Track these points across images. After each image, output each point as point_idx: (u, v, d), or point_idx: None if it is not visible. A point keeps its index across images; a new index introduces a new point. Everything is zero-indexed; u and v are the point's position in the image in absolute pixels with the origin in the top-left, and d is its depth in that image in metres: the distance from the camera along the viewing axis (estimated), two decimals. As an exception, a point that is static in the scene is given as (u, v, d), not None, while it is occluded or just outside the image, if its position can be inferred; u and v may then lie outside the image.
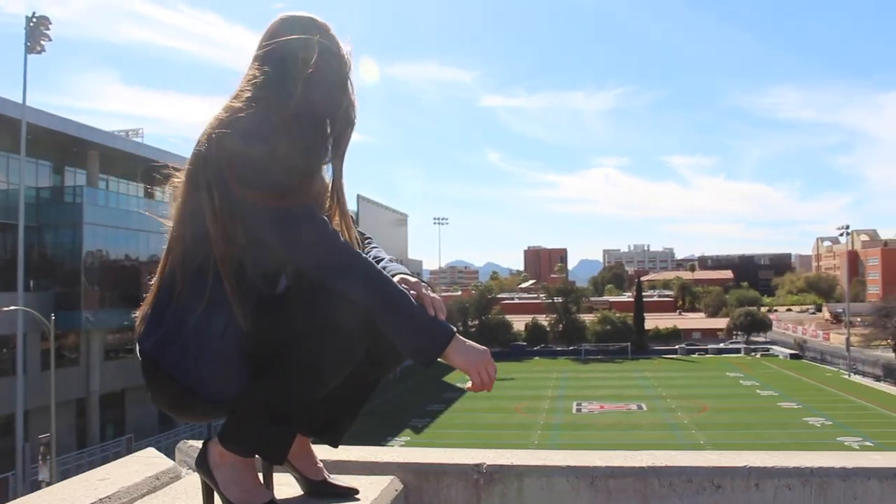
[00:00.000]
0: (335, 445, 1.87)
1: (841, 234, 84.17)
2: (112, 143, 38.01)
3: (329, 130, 1.75)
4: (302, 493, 1.85)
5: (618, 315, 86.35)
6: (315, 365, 1.63)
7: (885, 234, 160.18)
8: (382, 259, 1.81)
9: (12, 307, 26.39)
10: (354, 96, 1.77)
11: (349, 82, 1.76)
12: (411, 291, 1.66)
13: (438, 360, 1.63)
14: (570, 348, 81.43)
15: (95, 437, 33.42)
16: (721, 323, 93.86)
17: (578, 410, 47.66)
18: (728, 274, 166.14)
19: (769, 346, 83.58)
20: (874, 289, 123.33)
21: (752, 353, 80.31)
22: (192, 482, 1.94)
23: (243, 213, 1.60)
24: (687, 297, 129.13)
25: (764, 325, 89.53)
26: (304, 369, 1.64)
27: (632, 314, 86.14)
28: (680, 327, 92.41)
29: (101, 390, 34.60)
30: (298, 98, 1.67)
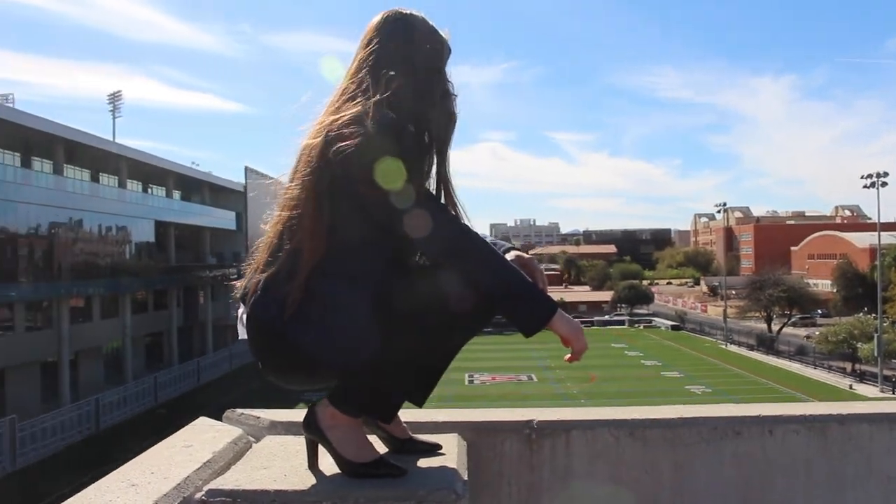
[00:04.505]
0: (420, 405, 1.99)
1: (718, 211, 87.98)
2: (-15, 109, 35.91)
3: (433, 124, 1.88)
4: (387, 450, 1.95)
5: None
6: (430, 335, 1.76)
7: (757, 212, 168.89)
8: (487, 237, 1.93)
9: None
10: (453, 88, 1.92)
11: (447, 76, 1.92)
12: (525, 266, 1.83)
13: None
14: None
15: (-26, 418, 31.76)
16: (606, 296, 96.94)
17: (471, 382, 48.47)
18: (612, 248, 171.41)
19: (651, 318, 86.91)
20: (748, 263, 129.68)
21: (636, 325, 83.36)
22: (270, 446, 2.07)
23: (367, 205, 1.73)
24: (573, 271, 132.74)
25: (646, 298, 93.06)
26: (420, 338, 1.75)
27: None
28: (566, 300, 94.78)
29: (-22, 370, 32.89)
30: (405, 95, 1.81)
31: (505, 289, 1.74)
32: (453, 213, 1.89)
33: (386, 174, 1.69)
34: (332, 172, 1.73)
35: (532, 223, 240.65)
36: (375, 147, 1.70)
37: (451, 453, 1.96)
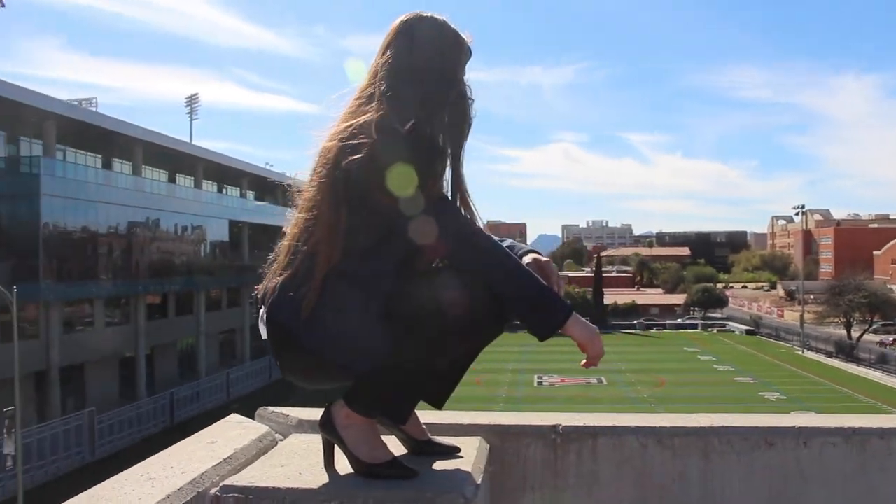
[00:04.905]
0: (439, 408, 1.99)
1: (796, 214, 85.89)
2: (69, 112, 37.12)
3: (446, 129, 1.88)
4: (406, 452, 1.96)
5: (577, 290, 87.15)
6: (445, 336, 1.75)
7: (837, 214, 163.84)
8: (505, 240, 1.94)
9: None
10: (470, 92, 1.92)
11: (465, 80, 1.91)
12: (542, 270, 1.82)
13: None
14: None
15: (56, 409, 32.90)
16: (678, 299, 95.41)
17: (540, 384, 48.28)
18: (685, 251, 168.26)
19: (725, 322, 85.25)
20: (827, 267, 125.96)
21: (709, 329, 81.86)
22: (293, 444, 2.09)
23: (380, 210, 1.74)
24: (645, 273, 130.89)
25: (720, 302, 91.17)
26: (435, 339, 1.74)
27: (591, 289, 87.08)
28: (638, 303, 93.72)
29: (61, 363, 34.07)
30: (418, 100, 1.81)
31: (518, 292, 1.74)
32: (468, 216, 1.89)
33: (398, 180, 1.70)
34: (347, 177, 1.75)
35: (604, 224, 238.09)
36: (387, 153, 1.70)
37: (470, 456, 1.94)
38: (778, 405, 40.27)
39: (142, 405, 36.84)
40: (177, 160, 47.33)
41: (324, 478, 1.78)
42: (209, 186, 54.02)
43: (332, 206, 1.77)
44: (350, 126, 1.76)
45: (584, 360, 1.79)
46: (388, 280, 1.77)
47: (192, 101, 61.46)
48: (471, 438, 2.09)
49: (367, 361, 1.74)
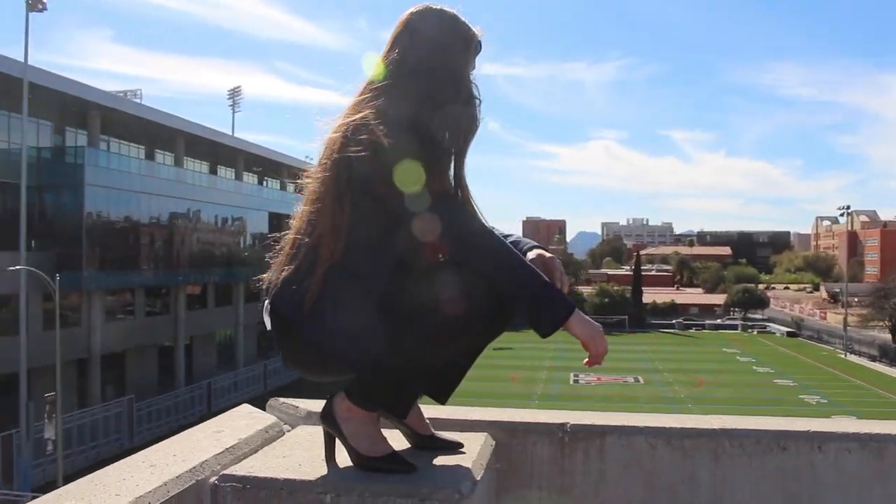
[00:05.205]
0: (443, 403, 1.98)
1: (841, 214, 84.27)
2: (113, 103, 37.74)
3: (453, 127, 1.84)
4: (409, 446, 1.96)
5: (616, 288, 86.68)
6: (443, 332, 1.74)
7: (884, 215, 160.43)
8: (511, 235, 1.93)
9: (17, 266, 26.41)
10: (478, 91, 1.89)
11: (473, 81, 1.88)
12: (545, 266, 1.82)
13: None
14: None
15: (96, 396, 33.54)
16: (719, 299, 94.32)
17: (576, 381, 47.97)
18: (726, 250, 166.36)
19: (766, 324, 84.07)
20: (872, 269, 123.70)
21: (749, 330, 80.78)
22: (299, 435, 2.10)
23: (384, 204, 1.73)
24: (685, 273, 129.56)
25: (761, 303, 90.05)
26: (433, 335, 1.74)
27: (630, 287, 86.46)
28: (677, 302, 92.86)
29: (102, 351, 34.72)
30: (427, 94, 1.79)
31: (519, 287, 1.71)
32: (469, 212, 1.86)
33: (400, 175, 1.69)
34: (349, 171, 1.74)
35: (645, 222, 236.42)
36: (389, 148, 1.69)
37: (473, 452, 1.93)
38: (819, 409, 39.59)
39: (180, 394, 37.37)
40: (218, 152, 47.86)
41: (322, 470, 1.78)
42: (250, 178, 54.56)
43: (335, 200, 1.76)
44: (353, 119, 1.76)
45: (587, 359, 1.76)
46: (390, 275, 1.76)
47: (234, 93, 62.07)
48: (476, 434, 2.08)
49: (367, 355, 1.74)
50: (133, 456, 1.86)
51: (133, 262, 37.62)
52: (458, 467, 1.81)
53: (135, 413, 32.88)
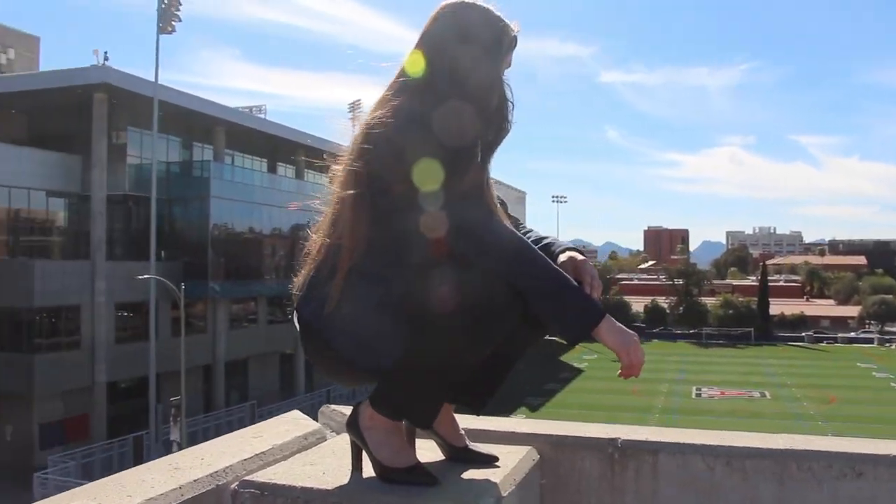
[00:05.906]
0: (478, 413, 1.92)
1: None
2: (237, 119, 39.33)
3: (482, 127, 1.75)
4: (443, 458, 1.88)
5: (741, 299, 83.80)
6: (466, 337, 1.64)
7: None
8: (547, 238, 1.86)
9: (147, 276, 27.79)
10: (510, 93, 1.78)
11: (505, 80, 1.78)
12: (576, 269, 1.73)
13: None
14: (691, 332, 79.66)
15: (221, 401, 34.89)
16: (853, 311, 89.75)
17: (698, 395, 46.59)
18: (861, 260, 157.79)
19: (905, 338, 79.30)
20: None
21: (887, 344, 76.40)
22: (337, 443, 2.03)
23: (403, 205, 1.66)
24: (815, 283, 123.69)
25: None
26: (456, 341, 1.64)
27: (756, 299, 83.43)
28: (807, 314, 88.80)
29: (227, 357, 36.06)
30: (455, 92, 1.69)
31: (544, 291, 1.61)
32: (492, 214, 1.76)
33: (419, 174, 1.63)
34: (369, 169, 1.69)
35: (772, 231, 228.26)
36: (409, 146, 1.63)
37: (508, 466, 1.82)
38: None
39: (300, 400, 38.29)
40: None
41: (344, 479, 1.72)
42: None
43: (356, 199, 1.71)
44: (376, 116, 1.70)
45: (620, 370, 1.63)
46: (409, 278, 1.68)
47: (354, 106, 63.05)
48: (519, 448, 1.97)
49: (388, 361, 1.67)
50: (163, 458, 1.85)
51: (256, 272, 38.92)
52: (486, 482, 1.71)
53: (256, 418, 33.95)
